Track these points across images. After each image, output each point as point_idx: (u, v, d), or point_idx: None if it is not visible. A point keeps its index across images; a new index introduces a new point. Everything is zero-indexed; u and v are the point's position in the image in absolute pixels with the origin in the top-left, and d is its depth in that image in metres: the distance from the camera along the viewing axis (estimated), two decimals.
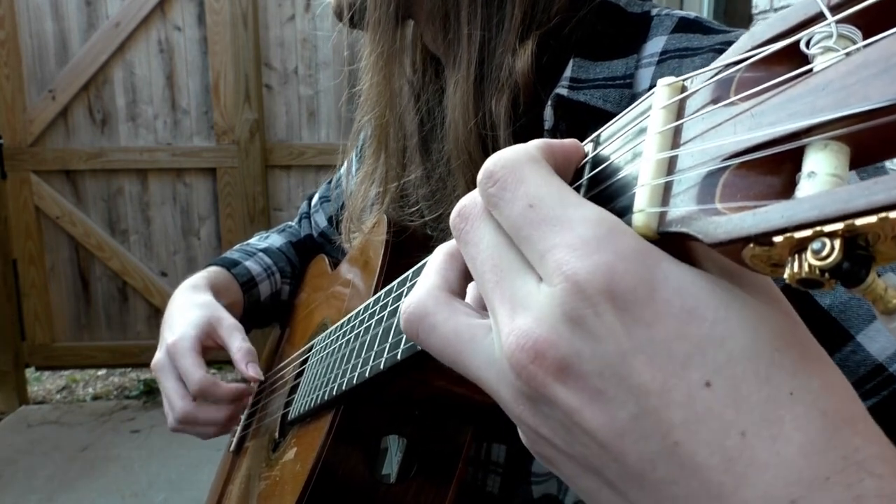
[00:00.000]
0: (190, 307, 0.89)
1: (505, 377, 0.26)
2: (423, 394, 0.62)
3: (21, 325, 3.58)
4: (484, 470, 0.65)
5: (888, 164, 0.21)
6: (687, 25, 0.60)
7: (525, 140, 0.61)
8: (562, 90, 0.59)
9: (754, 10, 2.24)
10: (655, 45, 0.59)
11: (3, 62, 3.32)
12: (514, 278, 0.26)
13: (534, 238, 0.25)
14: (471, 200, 0.30)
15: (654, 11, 0.62)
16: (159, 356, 0.86)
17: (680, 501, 0.22)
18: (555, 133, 0.59)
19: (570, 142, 0.31)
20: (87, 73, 3.38)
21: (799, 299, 0.49)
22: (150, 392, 3.69)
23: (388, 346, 0.50)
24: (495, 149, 0.62)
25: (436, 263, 0.34)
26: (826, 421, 0.21)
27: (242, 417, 0.98)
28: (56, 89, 3.39)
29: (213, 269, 1.00)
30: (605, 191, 0.28)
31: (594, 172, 0.30)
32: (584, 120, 0.58)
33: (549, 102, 0.60)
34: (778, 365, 0.22)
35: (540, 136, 0.61)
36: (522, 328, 0.24)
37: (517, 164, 0.27)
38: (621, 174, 0.28)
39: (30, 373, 3.76)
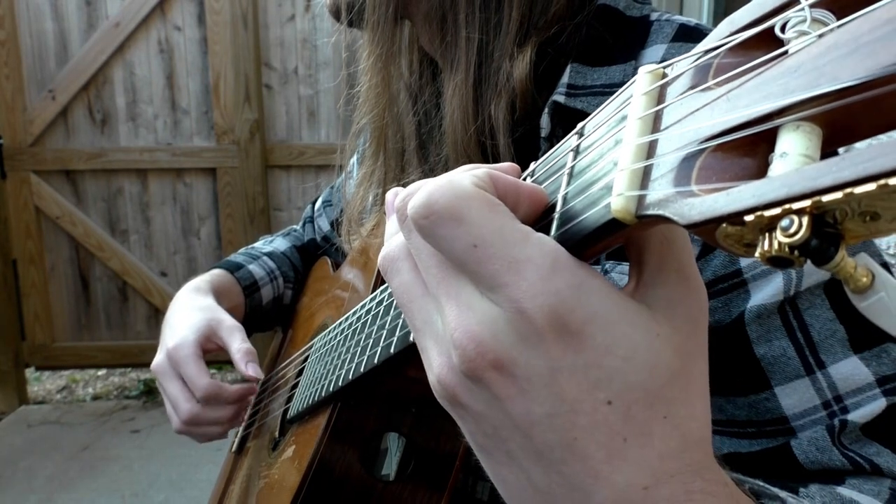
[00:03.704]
0: (190, 310, 0.89)
1: (446, 354, 0.31)
2: (420, 392, 0.62)
3: (21, 325, 3.59)
4: (474, 475, 0.65)
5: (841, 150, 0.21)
6: (687, 33, 0.59)
7: (526, 148, 0.62)
8: (559, 97, 0.59)
9: None
10: (654, 53, 0.59)
11: (3, 62, 3.33)
12: (457, 282, 0.30)
13: (481, 273, 0.28)
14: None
15: (654, 16, 0.62)
16: (160, 359, 0.86)
17: (565, 476, 0.29)
18: (551, 140, 0.59)
19: (506, 166, 0.35)
20: (87, 73, 3.39)
21: (737, 342, 0.53)
22: (150, 392, 3.69)
23: (383, 339, 0.50)
24: (495, 153, 0.63)
25: None
26: (682, 439, 0.29)
27: (245, 417, 0.98)
28: (56, 89, 3.40)
29: (216, 272, 1.01)
30: (586, 178, 0.29)
31: (576, 161, 0.30)
32: None
33: (546, 109, 0.59)
34: (661, 396, 0.28)
35: (538, 144, 0.61)
36: (468, 326, 0.29)
37: (456, 202, 0.29)
38: (603, 161, 0.28)
39: (30, 373, 3.76)
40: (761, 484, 0.43)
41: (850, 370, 0.50)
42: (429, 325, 0.32)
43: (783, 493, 0.42)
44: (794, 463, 0.51)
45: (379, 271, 0.71)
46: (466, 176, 0.30)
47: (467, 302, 0.29)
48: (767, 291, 0.52)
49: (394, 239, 0.35)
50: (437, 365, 0.31)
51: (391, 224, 0.37)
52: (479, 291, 0.29)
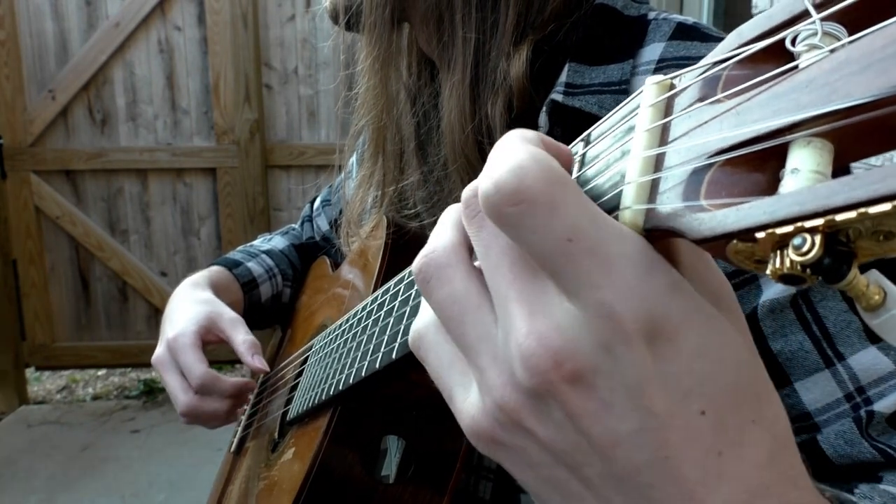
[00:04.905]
0: (190, 303, 0.89)
1: (507, 370, 0.27)
2: (421, 395, 0.62)
3: (21, 325, 3.59)
4: (476, 475, 0.65)
5: (853, 165, 0.21)
6: (685, 32, 0.59)
7: None
8: (557, 96, 0.59)
9: (754, 10, 2.24)
10: (653, 52, 0.59)
11: (3, 62, 3.32)
12: (532, 283, 0.26)
13: (568, 272, 0.24)
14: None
15: (652, 15, 0.62)
16: (160, 351, 0.86)
17: (653, 501, 0.25)
18: None
19: (562, 147, 0.31)
20: (87, 73, 3.39)
21: (753, 337, 0.52)
22: (150, 392, 3.69)
23: (384, 344, 0.50)
24: None
25: (456, 219, 0.32)
26: (774, 443, 0.26)
27: (243, 418, 0.98)
28: (56, 89, 3.40)
29: (214, 268, 1.01)
30: (594, 188, 0.28)
31: (582, 171, 0.30)
32: (578, 126, 0.57)
33: (544, 108, 0.59)
34: (748, 397, 0.26)
35: None
36: (543, 333, 0.25)
37: (551, 187, 0.24)
38: (610, 172, 0.28)
39: (30, 373, 3.76)
40: (834, 490, 0.41)
41: (870, 360, 0.49)
42: (486, 340, 0.28)
43: (854, 498, 0.41)
44: (822, 458, 0.49)
45: (378, 273, 0.72)
46: (543, 153, 0.25)
47: (542, 306, 0.25)
48: (779, 286, 0.51)
49: (440, 239, 0.31)
50: (497, 386, 0.27)
51: (443, 224, 0.32)
52: (559, 294, 0.25)
